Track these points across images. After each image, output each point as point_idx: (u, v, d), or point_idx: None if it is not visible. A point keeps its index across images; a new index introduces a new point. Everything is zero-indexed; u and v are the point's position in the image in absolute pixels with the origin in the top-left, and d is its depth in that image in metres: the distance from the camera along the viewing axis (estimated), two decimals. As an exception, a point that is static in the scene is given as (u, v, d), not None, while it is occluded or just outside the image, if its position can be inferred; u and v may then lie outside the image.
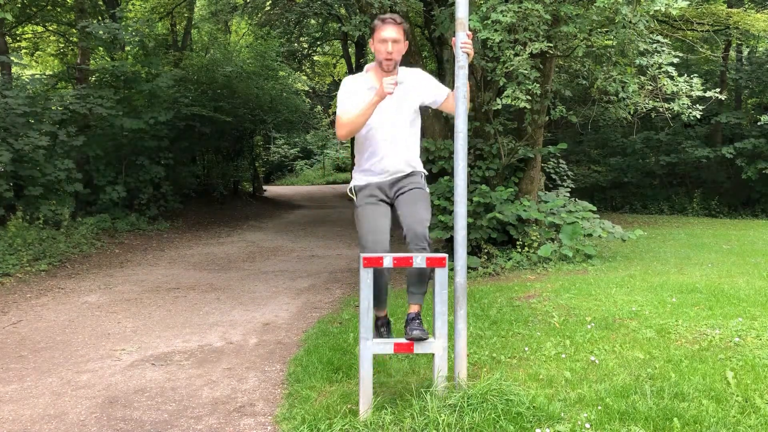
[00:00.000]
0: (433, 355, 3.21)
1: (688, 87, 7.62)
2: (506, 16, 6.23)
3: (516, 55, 6.55)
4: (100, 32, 11.78)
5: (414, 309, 3.42)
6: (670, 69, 7.46)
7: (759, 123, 14.44)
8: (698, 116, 7.74)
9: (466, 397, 3.04)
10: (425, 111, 8.39)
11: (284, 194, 23.18)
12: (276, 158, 30.87)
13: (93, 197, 11.63)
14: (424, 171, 3.61)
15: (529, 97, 6.64)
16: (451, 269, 3.29)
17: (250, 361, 4.46)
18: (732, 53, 17.32)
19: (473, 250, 7.96)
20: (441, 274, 3.19)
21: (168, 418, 3.43)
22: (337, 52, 26.92)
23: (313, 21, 20.50)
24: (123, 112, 11.77)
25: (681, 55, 8.99)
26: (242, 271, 8.26)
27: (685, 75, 7.81)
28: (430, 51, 14.61)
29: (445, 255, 3.21)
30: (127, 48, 13.54)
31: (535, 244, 7.79)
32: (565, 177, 12.53)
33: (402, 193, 3.46)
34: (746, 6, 14.66)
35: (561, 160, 12.84)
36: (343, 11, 16.60)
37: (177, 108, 13.19)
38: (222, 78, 15.00)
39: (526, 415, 2.97)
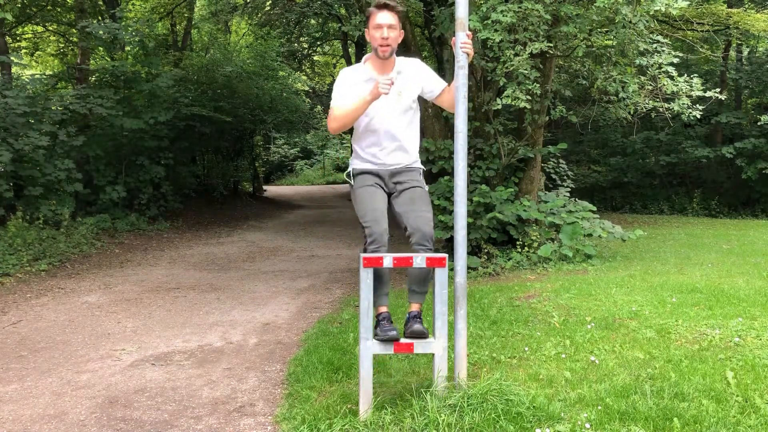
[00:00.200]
0: (433, 355, 3.21)
1: (688, 87, 7.62)
2: (506, 16, 6.23)
3: (516, 55, 6.55)
4: (100, 32, 11.78)
5: (415, 308, 3.42)
6: (670, 69, 7.47)
7: (759, 123, 14.44)
8: (698, 116, 7.74)
9: (466, 397, 3.04)
10: (425, 110, 8.39)
11: (284, 194, 23.18)
12: (276, 158, 30.87)
13: (93, 197, 11.63)
14: (422, 167, 3.59)
15: (529, 97, 6.65)
16: (451, 269, 3.29)
17: (250, 361, 4.46)
18: (732, 53, 17.33)
19: (473, 250, 7.96)
20: (441, 274, 3.19)
21: (168, 418, 3.43)
22: (337, 52, 26.90)
23: (313, 21, 20.48)
24: (123, 112, 11.77)
25: (681, 55, 9.00)
26: (242, 271, 8.26)
27: (685, 75, 7.82)
28: (430, 51, 14.60)
29: (445, 255, 3.21)
30: (127, 48, 13.54)
31: (535, 244, 7.79)
32: (565, 177, 12.53)
33: (402, 191, 3.44)
34: (746, 6, 14.66)
35: (561, 160, 12.84)
36: (343, 11, 16.58)
37: (177, 108, 13.19)
38: (222, 78, 15.00)
39: (526, 415, 2.97)
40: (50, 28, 15.43)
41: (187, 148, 15.31)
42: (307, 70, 26.91)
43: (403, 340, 3.23)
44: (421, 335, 3.19)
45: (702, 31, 12.61)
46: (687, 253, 8.47)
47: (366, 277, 3.12)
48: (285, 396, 3.70)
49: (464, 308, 3.29)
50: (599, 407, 3.07)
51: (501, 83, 6.96)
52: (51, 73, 16.21)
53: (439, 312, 3.19)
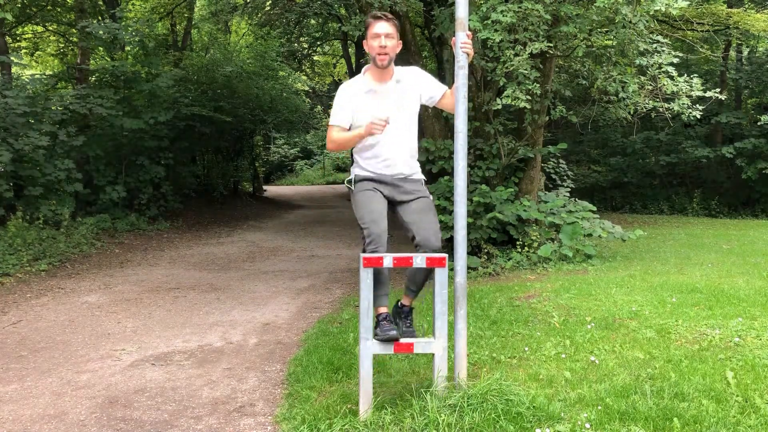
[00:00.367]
0: (433, 355, 3.21)
1: (688, 87, 7.62)
2: (506, 16, 6.23)
3: (516, 55, 6.55)
4: (100, 32, 11.78)
5: (405, 301, 3.48)
6: (670, 69, 7.46)
7: (759, 123, 14.44)
8: (698, 116, 7.74)
9: (466, 397, 3.04)
10: (425, 111, 8.37)
11: (284, 194, 23.18)
12: (276, 158, 30.86)
13: (93, 197, 11.64)
14: (423, 177, 3.60)
15: (529, 97, 6.64)
16: (451, 269, 3.29)
17: (250, 361, 4.46)
18: (732, 53, 17.33)
19: (473, 250, 7.96)
20: (441, 274, 3.19)
21: (168, 418, 3.43)
22: (337, 52, 26.91)
23: (313, 21, 20.49)
24: (123, 112, 11.77)
25: (681, 55, 9.00)
26: (242, 271, 8.26)
27: (685, 75, 7.81)
28: (430, 51, 14.61)
29: (445, 255, 3.21)
30: (127, 48, 13.54)
31: (535, 244, 7.79)
32: (565, 177, 12.54)
33: (409, 201, 3.45)
34: (746, 6, 14.66)
35: (561, 160, 12.84)
36: (343, 11, 16.59)
37: (177, 108, 13.19)
38: (222, 78, 15.00)
39: (526, 415, 2.97)
40: (50, 28, 15.43)
41: (187, 148, 15.31)
42: (307, 70, 26.92)
43: (403, 340, 3.23)
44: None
45: (702, 31, 12.61)
46: (687, 253, 8.47)
47: (366, 277, 3.12)
48: (285, 396, 3.70)
49: (464, 308, 3.30)
50: (599, 407, 3.07)
51: (501, 83, 6.96)
52: (51, 73, 16.21)
53: (439, 312, 3.20)
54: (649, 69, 7.52)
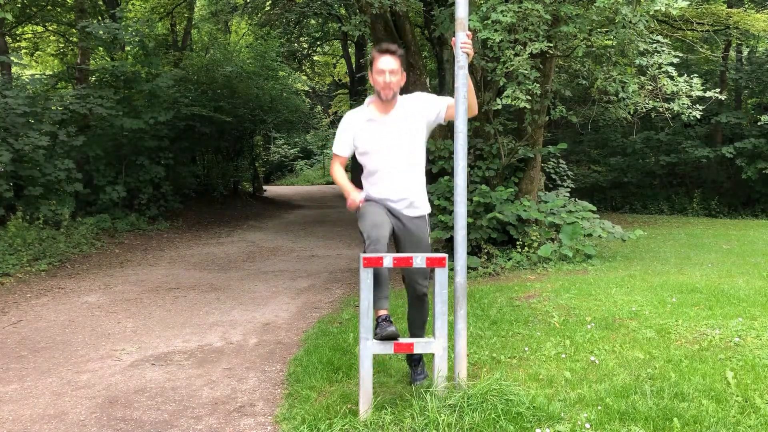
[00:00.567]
0: (433, 355, 3.21)
1: (688, 87, 7.62)
2: (506, 16, 6.23)
3: (516, 55, 6.55)
4: (100, 32, 11.78)
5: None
6: (670, 69, 7.46)
7: (759, 123, 14.44)
8: (698, 116, 7.74)
9: (466, 397, 3.04)
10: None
11: (284, 194, 23.18)
12: (276, 158, 30.86)
13: (93, 197, 11.64)
14: (429, 209, 3.60)
15: (529, 97, 6.64)
16: (451, 269, 3.29)
17: (250, 361, 4.46)
18: (732, 53, 17.32)
19: (473, 250, 7.96)
20: (441, 274, 3.19)
21: (168, 418, 3.43)
22: (337, 52, 26.92)
23: (313, 21, 20.50)
24: (123, 112, 11.77)
25: (681, 55, 8.99)
26: (242, 271, 8.26)
27: (685, 75, 7.81)
28: (430, 51, 14.60)
29: (445, 255, 3.21)
30: (127, 48, 13.55)
31: (535, 244, 7.79)
32: (565, 177, 12.53)
33: (406, 238, 3.48)
34: (746, 6, 14.66)
35: (561, 160, 12.84)
36: (343, 11, 16.60)
37: (177, 108, 13.20)
38: (222, 78, 15.00)
39: (526, 415, 2.97)
40: (50, 28, 15.44)
41: (187, 148, 15.32)
42: (307, 70, 26.94)
43: (403, 340, 3.23)
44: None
45: (702, 31, 12.61)
46: (687, 253, 8.47)
47: (366, 277, 3.12)
48: (285, 396, 3.70)
49: (464, 308, 3.30)
50: (599, 407, 3.07)
51: (501, 83, 6.96)
52: (51, 73, 16.21)
53: (439, 312, 3.20)
54: (649, 69, 7.52)
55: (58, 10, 13.95)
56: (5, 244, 8.34)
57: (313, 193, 24.32)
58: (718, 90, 8.03)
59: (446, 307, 3.20)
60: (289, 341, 4.97)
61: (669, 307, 4.94)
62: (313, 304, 6.38)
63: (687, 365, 3.60)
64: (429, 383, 3.30)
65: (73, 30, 13.91)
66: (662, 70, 7.47)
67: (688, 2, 7.19)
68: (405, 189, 3.46)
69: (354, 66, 23.95)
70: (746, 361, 3.60)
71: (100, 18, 14.10)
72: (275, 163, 30.97)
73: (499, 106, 7.16)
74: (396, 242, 3.55)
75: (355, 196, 3.40)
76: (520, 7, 6.28)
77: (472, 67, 7.43)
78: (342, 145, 3.53)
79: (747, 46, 17.53)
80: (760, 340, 4.00)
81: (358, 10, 8.44)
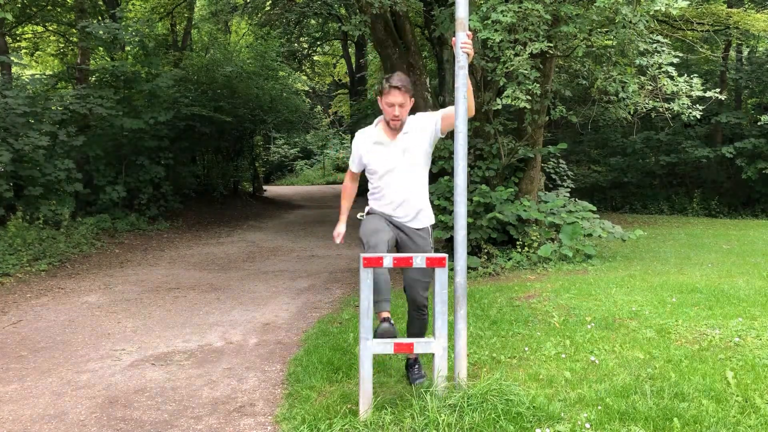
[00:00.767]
0: (433, 355, 3.21)
1: (688, 87, 7.61)
2: (506, 16, 6.23)
3: (516, 55, 6.55)
4: (100, 32, 11.78)
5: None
6: (670, 69, 7.46)
7: (759, 123, 14.44)
8: (698, 116, 7.73)
9: (466, 397, 3.04)
10: (425, 110, 8.39)
11: (284, 194, 23.18)
12: (276, 158, 30.84)
13: (93, 197, 11.64)
14: (432, 220, 3.68)
15: (529, 97, 6.64)
16: (451, 269, 3.29)
17: (250, 361, 4.46)
18: (732, 53, 17.32)
19: (473, 250, 7.96)
20: (441, 274, 3.19)
21: (168, 418, 3.43)
22: (337, 52, 26.91)
23: (313, 21, 20.49)
24: (123, 112, 11.77)
25: (681, 55, 8.99)
26: (242, 271, 8.26)
27: (685, 75, 7.81)
28: (430, 51, 14.61)
29: (445, 255, 3.21)
30: (127, 48, 13.55)
31: (535, 244, 7.79)
32: (565, 177, 12.53)
33: (410, 248, 3.54)
34: (746, 6, 14.66)
35: (561, 160, 12.84)
36: (343, 11, 16.58)
37: (177, 108, 13.19)
38: (222, 78, 15.00)
39: (526, 415, 2.97)
40: (50, 28, 15.44)
41: (187, 148, 15.31)
42: (307, 70, 26.92)
43: (403, 340, 3.23)
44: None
45: (702, 31, 12.60)
46: (687, 253, 8.47)
47: (366, 277, 3.12)
48: (285, 396, 3.70)
49: (464, 308, 3.30)
50: (599, 407, 3.07)
51: (501, 83, 6.96)
52: (51, 73, 16.21)
53: (439, 312, 3.20)
54: (649, 69, 7.52)
55: (58, 10, 13.95)
56: (5, 244, 8.34)
57: (313, 193, 24.32)
58: (718, 90, 8.03)
59: (446, 307, 3.20)
60: (289, 341, 4.97)
61: (669, 307, 4.94)
62: (313, 304, 6.38)
63: (687, 365, 3.60)
64: (429, 383, 3.31)
65: (73, 30, 13.91)
66: (662, 70, 7.47)
67: (688, 2, 7.19)
68: (409, 205, 3.55)
69: (354, 66, 23.95)
70: (746, 361, 3.60)
71: (100, 18, 14.10)
72: (275, 163, 30.96)
73: (499, 106, 7.16)
74: (399, 252, 3.61)
75: (340, 229, 3.72)
76: (520, 7, 6.28)
77: (472, 67, 7.43)
78: (354, 162, 3.73)
79: (747, 46, 17.52)
80: (760, 340, 4.00)
81: (358, 10, 8.43)
